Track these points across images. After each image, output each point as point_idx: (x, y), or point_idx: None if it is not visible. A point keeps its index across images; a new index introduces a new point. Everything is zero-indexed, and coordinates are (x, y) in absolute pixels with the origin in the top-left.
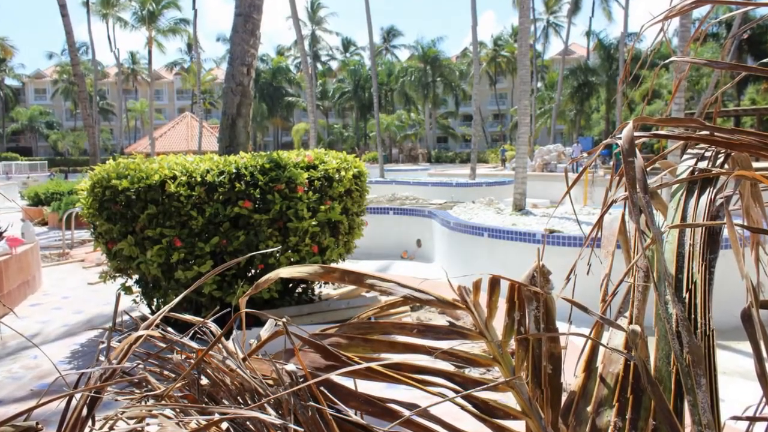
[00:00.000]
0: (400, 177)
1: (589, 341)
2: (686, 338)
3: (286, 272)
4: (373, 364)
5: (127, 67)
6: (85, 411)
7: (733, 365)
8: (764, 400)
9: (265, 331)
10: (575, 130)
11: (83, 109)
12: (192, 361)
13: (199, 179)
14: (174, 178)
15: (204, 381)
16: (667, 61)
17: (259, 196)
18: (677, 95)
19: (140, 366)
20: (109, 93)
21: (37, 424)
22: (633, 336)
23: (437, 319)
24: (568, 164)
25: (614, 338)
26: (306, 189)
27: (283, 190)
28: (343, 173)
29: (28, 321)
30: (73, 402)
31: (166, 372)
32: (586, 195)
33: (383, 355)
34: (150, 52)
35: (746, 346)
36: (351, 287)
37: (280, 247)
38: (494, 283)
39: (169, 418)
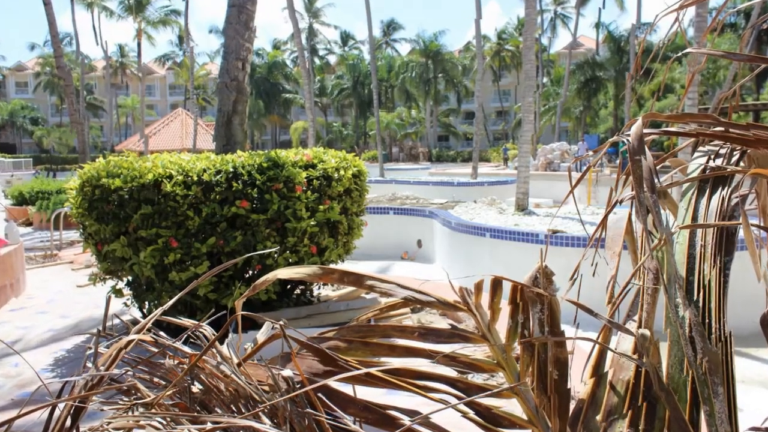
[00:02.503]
0: (401, 176)
1: (597, 346)
2: (700, 344)
3: (284, 273)
4: (372, 370)
5: (116, 60)
6: (68, 422)
7: (752, 373)
8: None
9: (261, 335)
10: (580, 128)
11: (70, 104)
12: (185, 366)
13: (195, 178)
14: (170, 177)
15: (197, 388)
16: (683, 52)
17: (256, 195)
18: (690, 90)
19: (129, 373)
20: (97, 88)
21: None
22: (642, 341)
23: (439, 321)
24: (572, 163)
25: (623, 343)
26: (304, 188)
27: (281, 189)
28: (342, 172)
29: (9, 326)
30: (57, 412)
31: (156, 379)
32: (590, 194)
33: (383, 359)
34: (139, 45)
35: (766, 353)
36: (350, 289)
37: (278, 247)
38: (496, 284)
39: (157, 429)
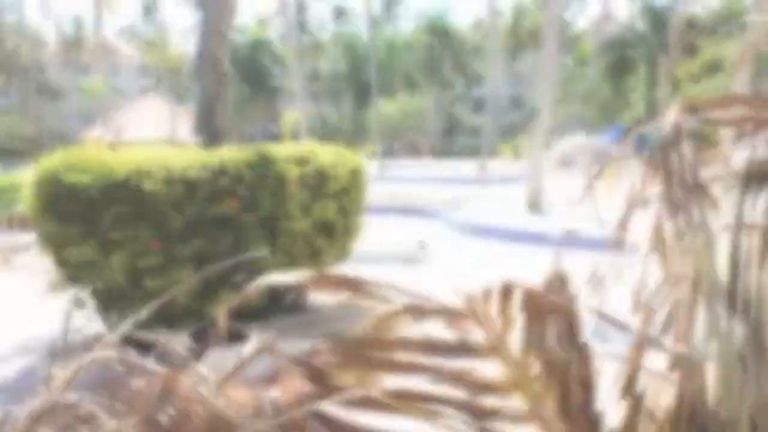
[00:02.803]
0: (402, 173)
1: (626, 365)
2: (754, 366)
3: (275, 279)
4: (370, 391)
5: (71, 34)
6: None
7: None
8: None
9: (247, 349)
10: (604, 117)
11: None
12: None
13: (178, 175)
14: (149, 173)
15: (167, 415)
16: (743, 18)
17: (245, 193)
18: (743, 68)
19: (86, 398)
20: (52, 67)
21: None
22: (681, 359)
23: (444, 332)
24: (591, 156)
25: (655, 361)
26: (298, 186)
27: (273, 187)
28: (338, 169)
29: None
30: None
31: (118, 405)
32: (610, 191)
33: (383, 376)
34: (98, 15)
35: None
36: (347, 295)
37: (269, 250)
38: (506, 290)
39: None
